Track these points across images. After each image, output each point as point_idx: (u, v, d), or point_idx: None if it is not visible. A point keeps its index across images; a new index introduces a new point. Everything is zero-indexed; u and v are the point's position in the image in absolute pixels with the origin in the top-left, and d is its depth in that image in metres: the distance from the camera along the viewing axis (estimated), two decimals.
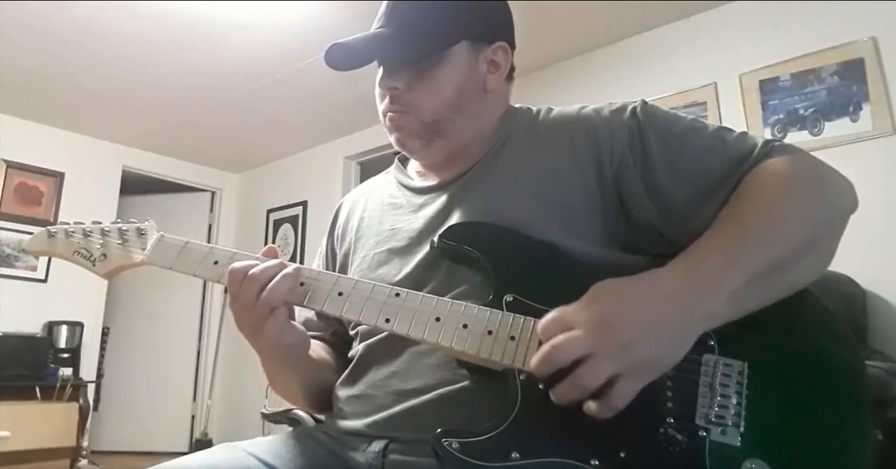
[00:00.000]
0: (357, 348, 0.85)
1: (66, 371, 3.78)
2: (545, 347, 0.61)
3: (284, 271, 0.73)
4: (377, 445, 0.74)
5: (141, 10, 2.93)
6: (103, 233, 0.85)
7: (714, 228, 0.69)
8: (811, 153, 0.76)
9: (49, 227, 0.86)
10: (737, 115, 2.70)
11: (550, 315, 0.64)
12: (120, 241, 0.84)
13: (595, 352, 0.59)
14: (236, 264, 0.74)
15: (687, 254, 0.67)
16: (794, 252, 0.67)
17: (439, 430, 0.63)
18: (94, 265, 0.84)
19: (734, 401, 0.63)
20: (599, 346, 0.59)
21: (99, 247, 0.84)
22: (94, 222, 0.86)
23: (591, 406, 0.59)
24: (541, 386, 0.63)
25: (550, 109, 0.89)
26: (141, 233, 0.84)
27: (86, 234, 0.85)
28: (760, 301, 0.66)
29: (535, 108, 0.91)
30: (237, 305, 0.73)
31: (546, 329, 0.63)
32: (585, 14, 2.92)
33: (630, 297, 0.63)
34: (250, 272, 0.72)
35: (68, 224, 0.86)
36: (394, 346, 0.78)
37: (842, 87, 2.46)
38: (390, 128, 0.87)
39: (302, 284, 0.75)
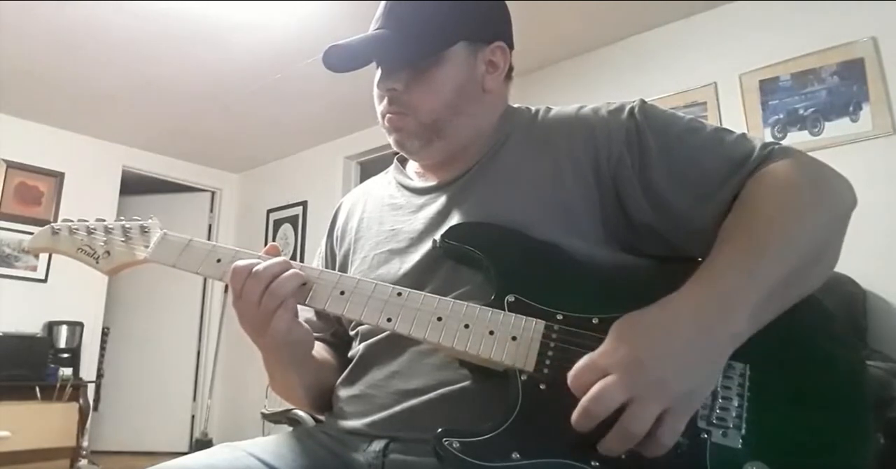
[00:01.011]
0: (357, 348, 0.85)
1: (66, 371, 3.78)
2: (584, 402, 0.58)
3: (291, 270, 0.73)
4: (377, 445, 0.74)
5: (141, 10, 2.93)
6: (107, 230, 0.85)
7: (725, 243, 0.68)
8: (811, 154, 0.76)
9: (53, 224, 0.86)
10: (737, 115, 2.70)
11: (580, 364, 0.61)
12: (123, 239, 0.84)
13: (635, 395, 0.57)
14: (240, 262, 0.74)
15: (701, 274, 0.66)
16: (807, 262, 0.66)
17: (440, 429, 0.63)
18: (97, 262, 0.84)
19: (735, 403, 0.63)
20: (638, 388, 0.57)
21: (102, 244, 0.84)
22: (97, 220, 0.87)
23: (644, 451, 0.58)
24: (542, 387, 0.63)
25: (549, 109, 0.89)
26: (144, 230, 0.84)
27: (89, 232, 0.85)
28: (777, 312, 0.65)
29: (533, 108, 0.91)
30: (241, 303, 0.73)
31: (578, 378, 0.60)
32: (585, 14, 2.92)
33: (655, 330, 0.62)
34: (254, 269, 0.72)
35: (72, 221, 0.86)
36: (395, 345, 0.78)
37: (842, 87, 2.46)
38: (389, 129, 0.87)
39: (304, 283, 0.75)
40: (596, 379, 0.59)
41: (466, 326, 0.69)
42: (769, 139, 0.81)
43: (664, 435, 0.58)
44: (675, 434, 0.58)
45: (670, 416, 0.58)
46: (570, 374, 0.61)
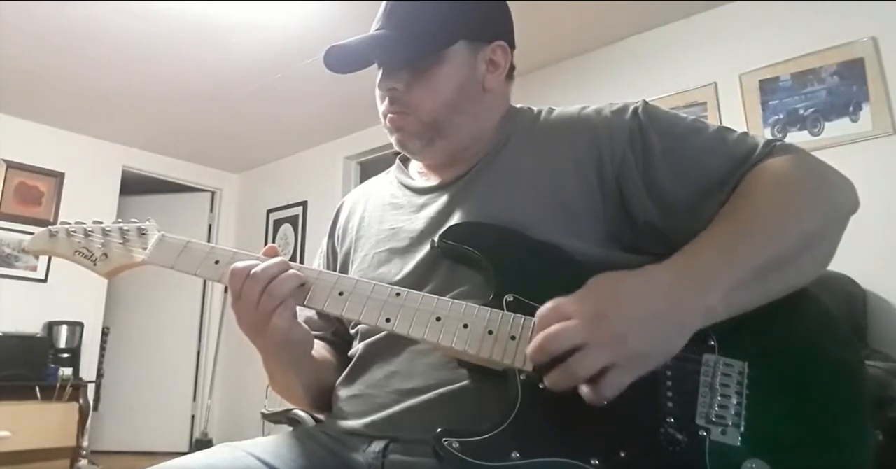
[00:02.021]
0: (357, 347, 0.85)
1: (66, 371, 3.77)
2: (540, 336, 0.61)
3: (290, 270, 0.73)
4: (377, 445, 0.74)
5: (141, 10, 2.93)
6: (104, 232, 0.85)
7: (712, 225, 0.70)
8: (811, 153, 0.76)
9: (50, 227, 0.86)
10: (737, 115, 2.70)
11: (548, 305, 0.64)
12: (121, 241, 0.84)
13: (589, 342, 0.59)
14: (238, 264, 0.74)
15: (684, 250, 0.67)
16: (792, 250, 0.67)
17: (439, 429, 0.63)
18: (95, 265, 0.84)
19: (734, 401, 0.63)
20: (594, 336, 0.60)
21: (100, 246, 0.84)
22: (95, 222, 0.86)
23: (583, 390, 0.60)
24: (541, 385, 0.63)
25: (552, 110, 0.89)
26: (142, 232, 0.84)
27: (87, 234, 0.85)
28: (757, 299, 0.66)
29: (536, 109, 0.91)
30: (239, 304, 0.73)
31: (542, 318, 0.63)
32: (585, 14, 2.92)
33: (626, 290, 0.63)
34: (252, 271, 0.72)
35: (69, 223, 0.86)
36: (394, 345, 0.78)
37: (842, 87, 2.46)
38: (390, 129, 0.87)
39: (303, 284, 0.75)
40: (557, 321, 0.61)
41: (465, 326, 0.69)
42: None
43: (606, 387, 0.59)
44: (617, 389, 0.59)
45: (617, 369, 0.59)
46: (538, 313, 0.64)
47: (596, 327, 0.60)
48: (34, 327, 3.97)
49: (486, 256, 0.74)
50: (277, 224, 4.85)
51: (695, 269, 0.65)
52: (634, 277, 0.65)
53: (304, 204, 4.66)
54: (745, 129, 0.85)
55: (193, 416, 4.84)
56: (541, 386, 0.64)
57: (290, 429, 1.02)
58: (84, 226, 0.86)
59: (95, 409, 4.25)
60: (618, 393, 0.60)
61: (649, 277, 0.65)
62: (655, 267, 0.66)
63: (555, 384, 0.61)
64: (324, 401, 0.89)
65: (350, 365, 0.85)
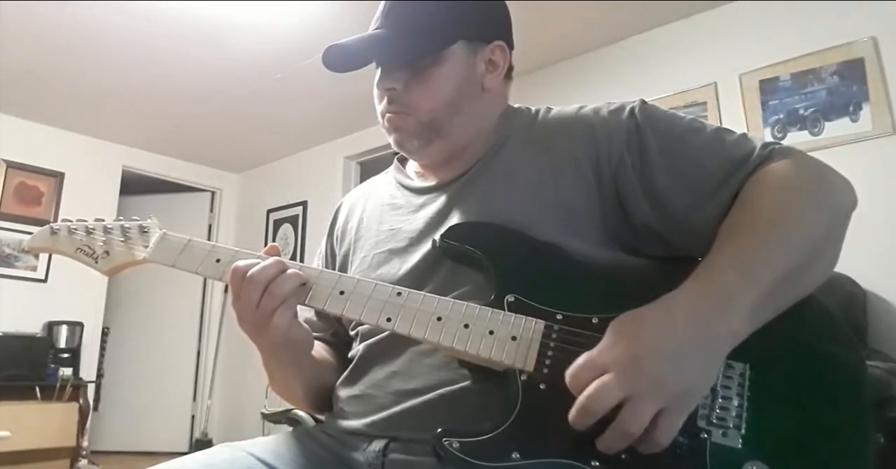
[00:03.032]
0: (357, 348, 0.85)
1: (66, 371, 3.77)
2: (581, 400, 0.58)
3: (291, 270, 0.73)
4: (377, 445, 0.74)
5: (141, 10, 2.93)
6: (106, 230, 0.84)
7: (724, 242, 0.68)
8: (811, 154, 0.76)
9: (52, 224, 0.86)
10: (737, 115, 2.70)
11: (578, 361, 0.61)
12: (123, 239, 0.84)
13: (632, 394, 0.57)
14: (240, 262, 0.73)
15: (700, 273, 0.65)
16: (806, 261, 0.66)
17: (440, 429, 0.63)
18: (96, 262, 0.84)
19: (735, 403, 0.63)
20: (635, 386, 0.57)
21: (101, 244, 0.84)
22: (96, 220, 0.86)
23: (641, 449, 0.58)
24: (542, 386, 0.63)
25: (549, 109, 0.89)
26: (143, 230, 0.84)
27: (88, 232, 0.85)
28: (776, 311, 0.65)
29: (534, 108, 0.91)
30: (240, 303, 0.73)
31: (576, 376, 0.60)
32: (585, 14, 2.92)
33: (652, 328, 0.61)
34: (253, 269, 0.72)
35: (71, 221, 0.86)
36: (394, 345, 0.78)
37: (842, 87, 2.46)
38: (389, 129, 0.87)
39: (304, 283, 0.75)
40: (594, 376, 0.59)
41: (466, 326, 0.69)
42: (769, 139, 0.80)
43: (661, 433, 0.58)
44: (672, 432, 0.58)
45: (667, 414, 0.58)
46: (569, 372, 0.61)
47: (633, 375, 0.58)
48: (34, 327, 3.97)
49: (488, 256, 0.74)
50: (277, 224, 4.85)
51: (715, 294, 0.63)
52: (656, 312, 0.63)
53: (304, 204, 4.66)
54: (745, 129, 0.84)
55: (193, 416, 4.84)
56: (541, 387, 0.64)
57: (290, 429, 1.02)
58: (86, 223, 0.85)
59: (95, 409, 4.25)
60: (673, 437, 0.58)
61: (671, 310, 0.63)
62: (674, 296, 0.64)
63: (611, 447, 0.59)
64: (323, 401, 0.89)
65: (350, 365, 0.85)
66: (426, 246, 0.81)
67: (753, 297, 0.62)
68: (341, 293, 0.74)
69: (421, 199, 0.89)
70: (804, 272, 0.66)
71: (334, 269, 0.97)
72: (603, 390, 0.58)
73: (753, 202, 0.70)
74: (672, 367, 0.58)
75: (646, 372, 0.58)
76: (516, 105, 0.93)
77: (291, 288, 0.72)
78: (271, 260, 0.74)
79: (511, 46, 0.90)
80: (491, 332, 0.68)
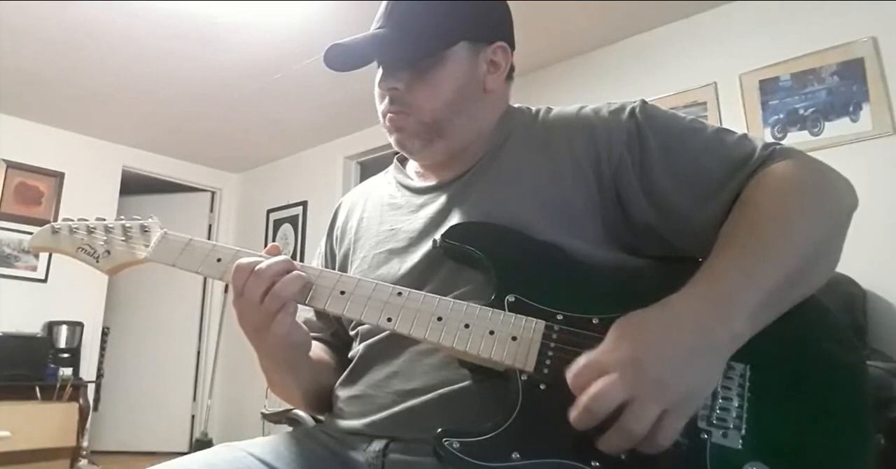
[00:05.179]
0: (357, 348, 0.85)
1: (66, 371, 3.77)
2: (584, 398, 0.58)
3: (295, 271, 0.73)
4: (377, 445, 0.74)
5: (141, 10, 2.93)
6: (107, 229, 0.85)
7: (725, 244, 0.68)
8: (811, 154, 0.76)
9: (53, 224, 0.86)
10: (737, 115, 2.70)
11: (580, 361, 0.61)
12: (124, 238, 0.84)
13: (635, 395, 0.57)
14: (243, 260, 0.73)
15: (702, 275, 0.65)
16: (808, 262, 0.66)
17: (440, 429, 0.63)
18: (97, 262, 0.84)
19: (735, 403, 0.63)
20: (638, 388, 0.57)
21: (102, 243, 0.84)
22: (97, 219, 0.86)
23: (643, 450, 0.58)
24: (542, 387, 0.63)
25: (550, 109, 0.89)
26: (144, 230, 0.84)
27: (89, 231, 0.85)
28: (777, 313, 0.65)
29: (534, 108, 0.91)
30: (242, 302, 0.73)
31: (578, 377, 0.60)
32: (585, 14, 2.92)
33: (655, 330, 0.61)
34: (257, 267, 0.71)
35: (72, 220, 0.86)
36: (394, 345, 0.78)
37: (842, 87, 2.46)
38: (390, 129, 0.87)
39: (305, 285, 0.74)
40: (596, 377, 0.59)
41: (466, 326, 0.68)
42: (769, 139, 0.81)
43: (663, 435, 0.58)
44: (675, 434, 0.58)
45: (670, 416, 0.57)
46: (570, 373, 0.61)
47: (636, 377, 0.58)
48: (34, 327, 3.97)
49: (488, 256, 0.74)
50: (277, 224, 4.85)
51: (718, 296, 0.63)
52: (659, 314, 0.63)
53: (304, 204, 4.66)
54: (745, 129, 0.85)
55: (193, 416, 4.85)
56: (542, 387, 0.64)
57: (290, 429, 1.02)
58: (87, 223, 0.86)
59: (95, 409, 4.25)
60: (675, 439, 0.58)
61: (673, 312, 0.63)
62: (677, 299, 0.64)
63: (615, 448, 0.59)
64: (321, 402, 0.89)
65: (350, 366, 0.85)
66: (426, 246, 0.81)
67: (755, 299, 0.62)
68: (342, 293, 0.74)
69: (421, 199, 0.89)
70: (806, 274, 0.66)
71: (334, 269, 0.97)
72: (606, 391, 0.58)
73: (754, 204, 0.70)
74: (675, 370, 0.58)
75: (649, 374, 0.58)
76: (516, 105, 0.93)
77: (295, 290, 0.72)
78: (279, 258, 0.73)
79: (513, 47, 0.90)
80: (491, 333, 0.68)
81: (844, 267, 0.77)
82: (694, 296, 0.64)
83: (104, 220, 0.86)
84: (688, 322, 0.61)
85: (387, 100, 0.85)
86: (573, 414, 0.59)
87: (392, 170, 1.00)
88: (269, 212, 4.94)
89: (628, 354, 0.59)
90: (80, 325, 4.09)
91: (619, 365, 0.59)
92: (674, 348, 0.60)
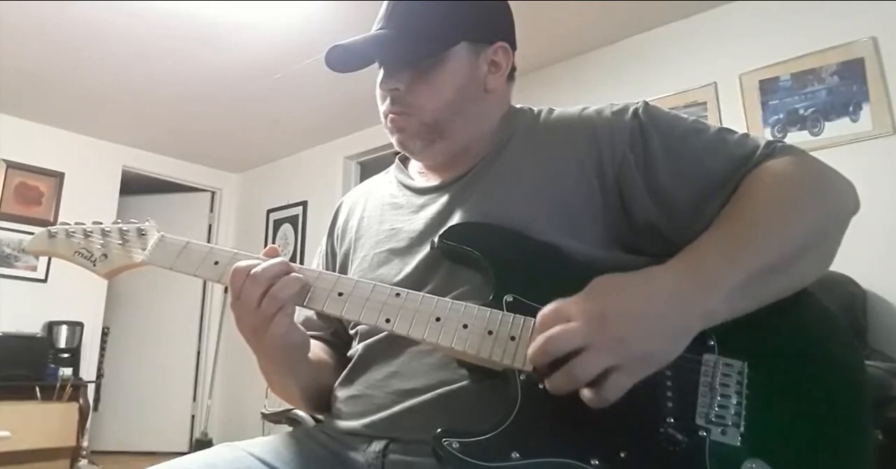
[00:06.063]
0: (356, 348, 0.85)
1: (66, 371, 3.78)
2: (541, 338, 0.61)
3: (292, 273, 0.73)
4: (377, 445, 0.74)
5: (141, 10, 2.93)
6: (104, 233, 0.84)
7: (713, 227, 0.70)
8: (811, 154, 0.76)
9: (49, 228, 0.86)
10: (737, 115, 2.70)
11: (549, 306, 0.64)
12: (121, 242, 0.84)
13: (591, 344, 0.59)
14: (240, 263, 0.73)
15: (685, 252, 0.67)
16: (793, 253, 0.67)
17: (439, 429, 0.63)
18: (94, 265, 0.84)
19: (734, 401, 0.63)
20: (595, 338, 0.59)
21: (99, 247, 0.84)
22: (94, 222, 0.86)
23: (584, 393, 0.60)
24: (541, 386, 0.63)
25: (552, 110, 0.89)
26: (141, 233, 0.84)
27: (86, 235, 0.85)
28: (758, 301, 0.66)
29: (536, 109, 0.91)
30: (239, 305, 0.73)
31: (543, 320, 0.63)
32: (585, 14, 2.92)
33: (628, 292, 0.63)
34: (254, 270, 0.71)
35: (69, 224, 0.86)
36: (393, 346, 0.78)
37: (842, 87, 2.47)
38: (391, 129, 0.87)
39: (303, 286, 0.74)
40: (559, 323, 0.61)
41: (465, 326, 0.69)
42: (770, 139, 0.81)
43: (607, 389, 0.59)
44: (619, 391, 0.59)
45: (618, 371, 0.59)
46: (539, 314, 0.64)
47: (597, 329, 0.60)
48: (34, 327, 3.98)
49: (486, 257, 0.74)
50: (277, 224, 4.85)
51: (696, 271, 0.65)
52: (636, 279, 0.65)
53: (304, 204, 4.66)
54: (746, 129, 0.85)
55: (193, 416, 4.85)
56: (541, 386, 0.64)
57: (290, 429, 1.02)
58: (83, 226, 0.85)
59: (95, 409, 4.26)
60: (619, 396, 0.59)
61: (651, 279, 0.65)
62: (657, 268, 0.66)
63: (556, 387, 0.61)
64: (322, 402, 0.88)
65: (349, 365, 0.85)
66: (426, 246, 0.81)
67: (733, 280, 0.63)
68: (340, 294, 0.74)
69: (422, 199, 0.89)
70: (792, 265, 0.67)
71: (334, 268, 0.97)
72: (563, 334, 0.60)
73: (748, 193, 0.71)
74: (637, 331, 0.60)
75: (610, 330, 0.60)
76: (518, 105, 0.93)
77: (293, 291, 0.72)
78: (276, 260, 0.73)
79: (514, 47, 0.90)
80: (490, 333, 0.68)
81: (844, 267, 0.77)
82: (673, 269, 0.66)
83: (101, 223, 0.86)
84: (664, 290, 0.63)
85: (388, 100, 0.85)
86: (529, 350, 0.62)
87: (393, 169, 1.00)
88: (269, 212, 4.94)
89: (595, 308, 0.61)
90: (80, 325, 4.09)
91: (583, 315, 0.61)
92: (642, 311, 0.61)
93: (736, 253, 0.65)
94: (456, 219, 0.81)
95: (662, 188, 0.76)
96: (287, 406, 1.42)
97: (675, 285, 0.63)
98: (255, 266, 0.72)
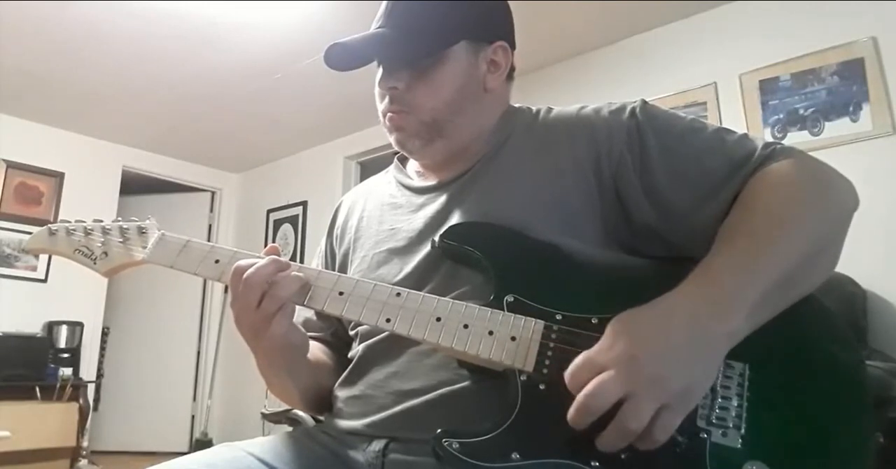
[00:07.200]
0: (357, 348, 0.84)
1: (66, 371, 3.78)
2: (580, 398, 0.58)
3: (292, 272, 0.73)
4: (377, 445, 0.74)
5: (141, 10, 2.93)
6: (104, 231, 0.84)
7: (723, 243, 0.68)
8: (811, 154, 0.76)
9: (50, 225, 0.86)
10: (737, 115, 2.70)
11: (577, 361, 0.61)
12: (121, 240, 0.83)
13: (632, 391, 0.57)
14: (241, 262, 0.73)
15: (699, 273, 0.65)
16: (806, 262, 0.66)
17: (439, 430, 0.63)
18: (94, 263, 0.83)
19: (735, 403, 0.63)
20: (634, 384, 0.57)
21: (100, 245, 0.84)
22: (95, 220, 0.86)
23: (639, 446, 0.58)
24: (541, 387, 0.63)
25: (550, 109, 0.89)
26: (142, 231, 0.84)
27: (87, 233, 0.84)
28: (774, 312, 0.65)
29: (534, 108, 0.91)
30: (239, 304, 0.72)
31: (575, 376, 0.60)
32: (585, 14, 2.92)
33: (651, 327, 0.62)
34: (254, 269, 0.71)
35: (69, 222, 0.86)
36: (394, 346, 0.78)
37: (842, 87, 2.46)
38: (390, 128, 0.87)
39: (303, 285, 0.74)
40: (593, 376, 0.59)
41: (465, 327, 0.68)
42: (769, 139, 0.81)
43: (660, 431, 0.58)
44: (670, 430, 0.58)
45: (667, 412, 0.58)
46: (568, 372, 0.61)
47: (633, 373, 0.58)
48: (34, 327, 3.97)
49: (487, 256, 0.74)
50: (277, 224, 4.85)
51: (714, 293, 0.63)
52: (655, 311, 0.63)
53: (304, 204, 4.66)
54: (745, 129, 0.85)
55: (193, 416, 4.85)
56: (541, 387, 0.64)
57: (290, 429, 1.02)
58: (84, 224, 0.85)
59: (95, 409, 4.26)
60: (670, 435, 0.58)
61: (670, 310, 0.63)
62: (673, 296, 0.64)
63: (611, 445, 0.59)
64: (321, 403, 0.88)
65: (350, 366, 0.85)
66: (426, 246, 0.81)
67: (752, 297, 0.62)
68: (340, 294, 0.74)
69: (421, 199, 0.89)
70: (804, 273, 0.66)
71: (334, 268, 0.97)
72: (602, 388, 0.58)
73: (753, 202, 0.70)
74: (671, 366, 0.58)
75: (645, 370, 0.58)
76: (517, 105, 0.93)
77: (293, 290, 0.72)
78: (267, 259, 0.72)
79: (513, 47, 0.90)
80: (490, 333, 0.68)
81: (844, 267, 0.77)
82: (690, 293, 0.64)
83: (101, 221, 0.86)
84: (683, 319, 0.61)
85: (387, 99, 0.85)
86: (571, 412, 0.59)
87: (392, 169, 1.00)
88: (269, 212, 4.94)
89: (624, 351, 0.59)
90: (80, 325, 4.09)
91: (615, 362, 0.59)
92: (670, 345, 0.60)
93: (751, 271, 0.64)
94: (455, 218, 0.81)
95: (659, 188, 0.75)
96: (287, 406, 1.42)
97: (696, 311, 0.62)
98: (255, 264, 0.72)
